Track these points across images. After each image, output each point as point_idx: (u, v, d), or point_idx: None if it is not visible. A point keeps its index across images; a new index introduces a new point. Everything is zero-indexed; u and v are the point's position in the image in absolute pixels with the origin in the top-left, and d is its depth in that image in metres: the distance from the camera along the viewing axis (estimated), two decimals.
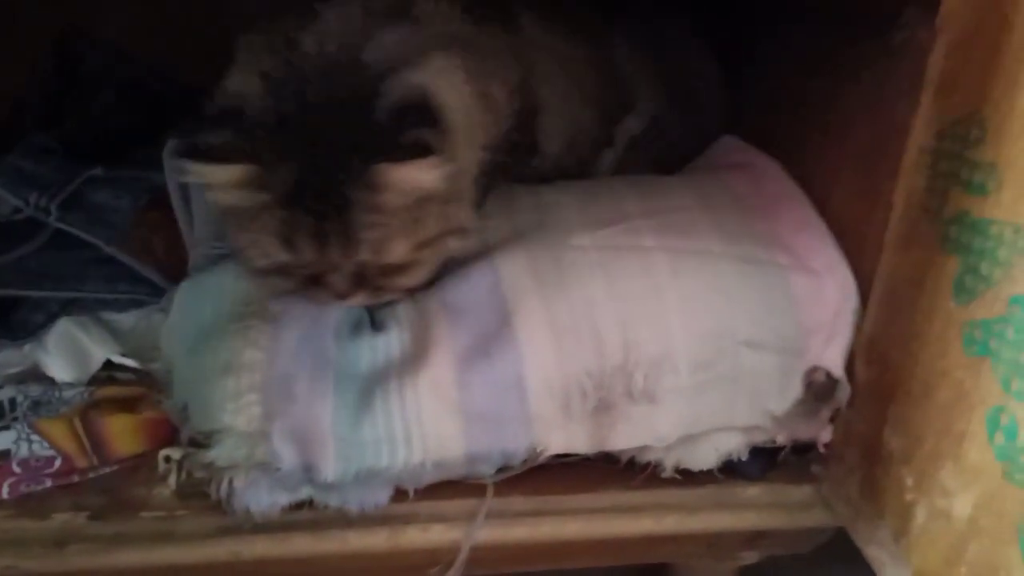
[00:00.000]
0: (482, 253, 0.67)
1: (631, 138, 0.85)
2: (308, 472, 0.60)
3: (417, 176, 0.57)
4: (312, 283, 0.62)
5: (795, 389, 0.65)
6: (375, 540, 0.63)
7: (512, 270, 0.65)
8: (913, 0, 0.58)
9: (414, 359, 0.62)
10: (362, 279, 0.61)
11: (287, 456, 0.60)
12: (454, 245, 0.65)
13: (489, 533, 0.64)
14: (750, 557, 0.77)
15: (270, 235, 0.58)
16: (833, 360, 0.64)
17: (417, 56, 0.61)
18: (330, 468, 0.60)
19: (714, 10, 0.92)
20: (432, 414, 0.61)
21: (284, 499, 0.61)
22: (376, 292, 0.63)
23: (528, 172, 0.77)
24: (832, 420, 0.66)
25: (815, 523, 0.69)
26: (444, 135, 0.58)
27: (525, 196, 0.73)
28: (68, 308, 0.73)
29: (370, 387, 0.61)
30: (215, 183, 0.58)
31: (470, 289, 0.65)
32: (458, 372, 0.61)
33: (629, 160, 0.85)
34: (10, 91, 0.95)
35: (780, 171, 0.76)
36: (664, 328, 0.63)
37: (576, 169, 0.82)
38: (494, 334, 0.62)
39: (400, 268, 0.62)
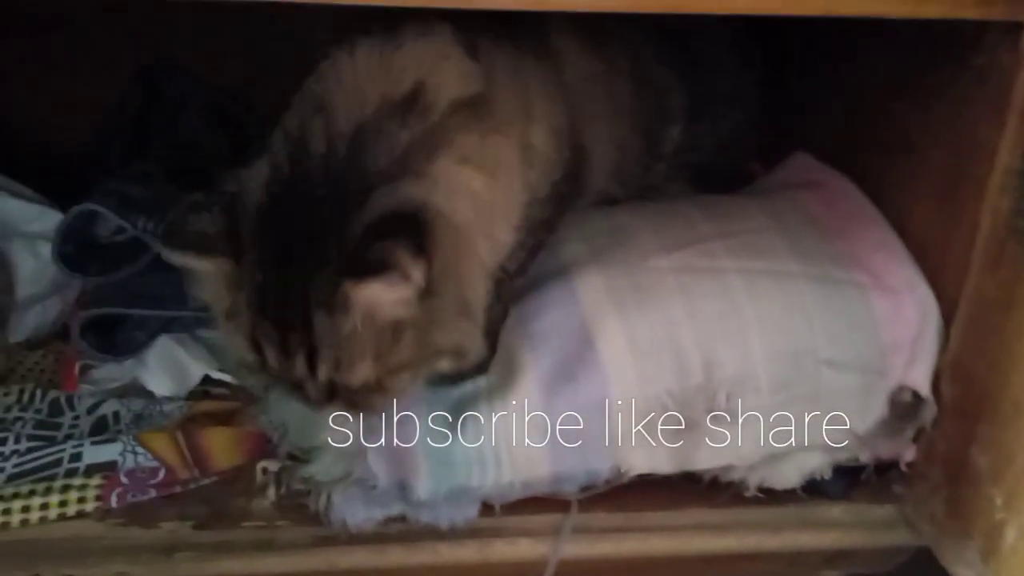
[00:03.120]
0: (560, 276, 0.68)
1: (673, 150, 0.83)
2: (402, 490, 0.62)
3: (378, 296, 0.52)
4: (294, 386, 0.58)
5: (878, 408, 0.65)
6: (465, 553, 0.65)
7: (591, 293, 0.66)
8: (994, 25, 0.58)
9: (501, 385, 0.64)
10: (335, 392, 0.57)
11: (382, 474, 0.62)
12: (447, 366, 0.60)
13: (575, 548, 0.65)
14: (831, 575, 0.77)
15: (243, 336, 0.56)
16: (919, 379, 0.64)
17: (422, 162, 0.56)
18: (423, 487, 0.62)
19: (783, 28, 0.92)
20: (520, 436, 0.62)
21: (379, 514, 0.63)
22: (351, 406, 0.58)
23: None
24: (915, 439, 0.66)
25: (898, 542, 0.69)
26: (432, 251, 0.52)
27: (599, 220, 0.74)
28: (168, 326, 0.77)
29: (460, 411, 0.63)
30: (193, 272, 0.58)
31: (550, 314, 0.66)
32: (545, 396, 0.63)
33: (674, 173, 0.84)
34: (96, 121, 1.00)
35: (854, 189, 0.76)
36: (744, 348, 0.64)
37: (626, 193, 0.80)
38: (577, 357, 0.64)
39: (372, 389, 0.57)
